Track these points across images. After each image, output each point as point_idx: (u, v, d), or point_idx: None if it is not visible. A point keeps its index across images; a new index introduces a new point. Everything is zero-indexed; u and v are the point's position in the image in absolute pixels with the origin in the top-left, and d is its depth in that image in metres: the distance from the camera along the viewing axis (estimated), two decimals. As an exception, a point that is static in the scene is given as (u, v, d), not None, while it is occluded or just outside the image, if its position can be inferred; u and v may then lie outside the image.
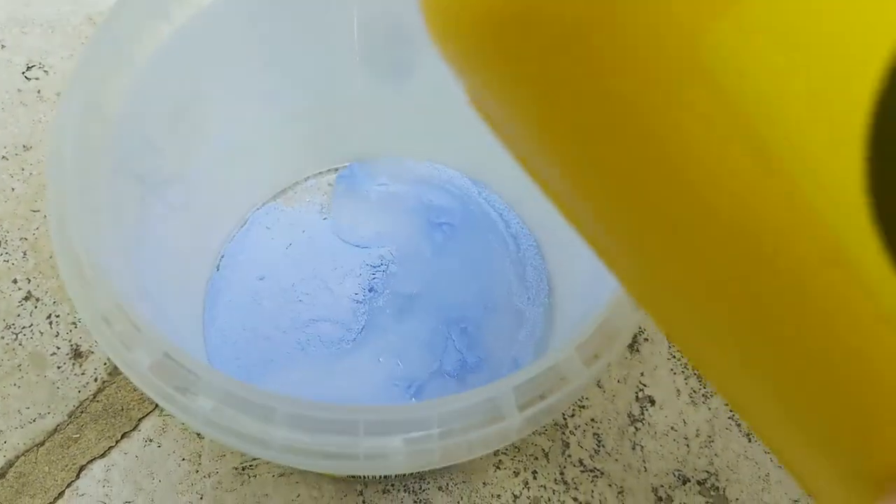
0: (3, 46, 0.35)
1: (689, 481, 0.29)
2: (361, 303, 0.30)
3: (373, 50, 0.28)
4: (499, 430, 0.19)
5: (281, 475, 0.28)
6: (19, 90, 0.34)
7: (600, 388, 0.30)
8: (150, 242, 0.26)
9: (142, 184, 0.25)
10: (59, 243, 0.20)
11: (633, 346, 0.31)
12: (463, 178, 0.32)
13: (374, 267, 0.30)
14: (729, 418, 0.30)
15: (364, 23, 0.27)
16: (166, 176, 0.26)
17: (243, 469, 0.28)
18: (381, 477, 0.28)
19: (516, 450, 0.29)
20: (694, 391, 0.30)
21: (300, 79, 0.28)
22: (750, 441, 0.30)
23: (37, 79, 0.34)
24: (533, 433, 0.29)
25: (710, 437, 0.30)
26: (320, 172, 0.33)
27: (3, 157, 0.33)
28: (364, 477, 0.28)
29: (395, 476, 0.28)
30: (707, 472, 0.29)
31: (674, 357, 0.31)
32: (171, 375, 0.19)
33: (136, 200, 0.25)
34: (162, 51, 0.24)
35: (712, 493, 0.29)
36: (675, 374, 0.31)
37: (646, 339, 0.31)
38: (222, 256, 0.31)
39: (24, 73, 0.35)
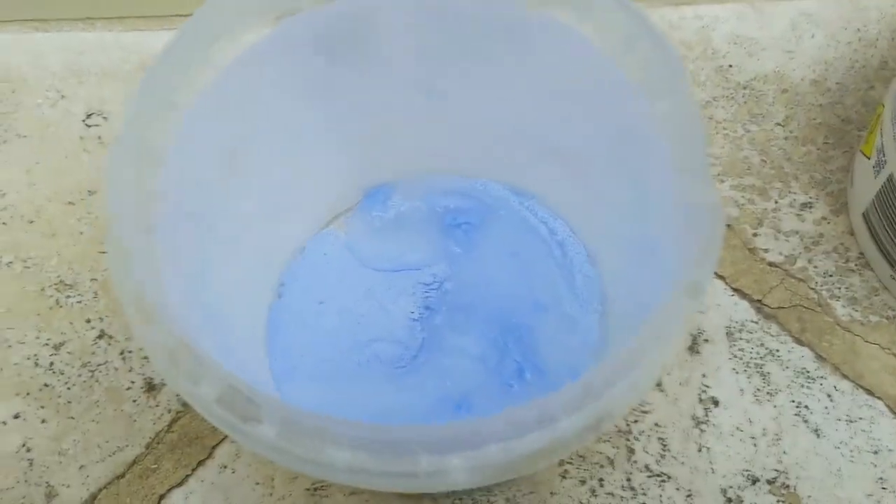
0: (62, 97, 0.37)
1: (759, 481, 0.29)
2: (418, 321, 0.31)
3: (408, 69, 0.29)
4: (553, 439, 0.19)
5: (352, 493, 0.29)
6: (81, 138, 0.36)
7: (662, 391, 0.30)
8: (209, 277, 0.26)
9: (197, 222, 0.26)
10: (119, 286, 0.21)
11: (692, 348, 0.31)
12: (502, 189, 0.32)
13: (427, 285, 0.31)
14: (795, 415, 0.30)
15: (399, 45, 0.28)
16: (220, 213, 0.27)
17: (315, 490, 0.29)
18: (449, 491, 0.28)
19: (581, 458, 0.29)
20: (758, 389, 0.30)
21: (343, 108, 0.29)
22: (818, 437, 0.29)
23: (97, 125, 0.36)
24: (596, 440, 0.29)
25: (777, 435, 0.29)
26: (371, 196, 0.33)
27: (70, 202, 0.34)
28: (432, 492, 0.29)
29: (463, 489, 0.29)
30: (776, 470, 0.29)
31: (735, 357, 0.31)
32: (236, 406, 0.19)
33: (192, 238, 0.25)
34: (207, 94, 0.25)
35: (783, 491, 0.29)
36: (737, 373, 0.30)
37: (706, 341, 0.31)
38: (283, 284, 0.32)
39: (84, 121, 0.36)
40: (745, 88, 0.35)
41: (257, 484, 0.30)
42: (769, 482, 0.29)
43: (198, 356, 0.20)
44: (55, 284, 0.33)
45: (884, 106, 0.30)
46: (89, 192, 0.35)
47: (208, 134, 0.26)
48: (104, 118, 0.36)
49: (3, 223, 0.34)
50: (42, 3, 0.37)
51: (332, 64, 0.28)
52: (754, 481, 0.29)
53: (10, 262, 0.33)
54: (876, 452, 0.29)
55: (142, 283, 0.21)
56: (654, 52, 0.23)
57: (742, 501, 0.28)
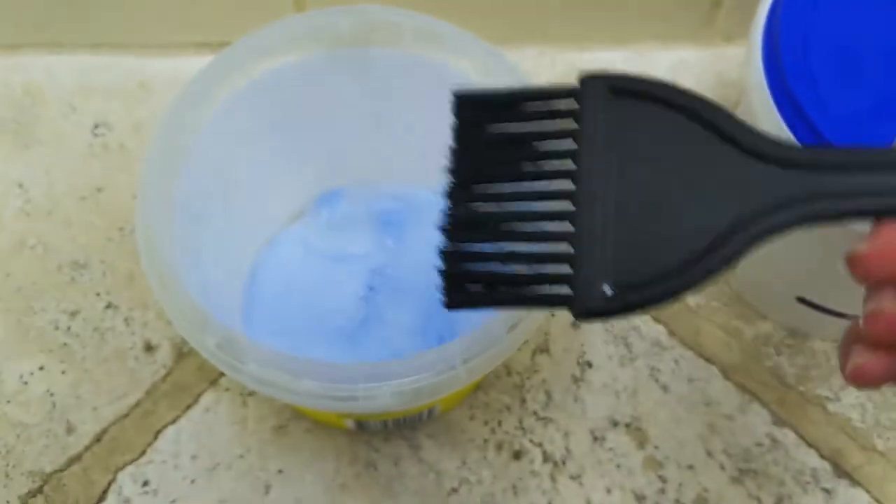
0: (74, 110, 0.44)
1: (619, 424, 0.38)
2: (363, 298, 0.39)
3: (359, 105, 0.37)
4: (451, 377, 0.28)
5: (308, 431, 0.38)
6: (90, 144, 0.44)
7: (550, 356, 0.39)
8: (204, 260, 0.35)
9: (197, 218, 0.34)
10: (147, 263, 0.29)
11: (575, 324, 0.40)
12: (429, 194, 0.40)
13: (370, 270, 0.39)
14: (649, 375, 0.39)
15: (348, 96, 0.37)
16: (212, 213, 0.35)
17: (279, 428, 0.38)
18: (382, 429, 0.37)
19: (486, 405, 0.38)
20: (623, 356, 0.39)
21: (305, 136, 0.38)
22: (665, 393, 0.38)
23: (103, 135, 0.44)
24: (497, 392, 0.38)
25: (634, 390, 0.38)
26: (328, 198, 0.42)
27: (83, 197, 0.42)
28: (369, 429, 0.37)
29: (394, 427, 0.37)
30: (632, 416, 0.38)
31: (607, 331, 0.40)
32: (229, 350, 0.28)
33: (194, 233, 0.34)
34: (209, 124, 0.33)
35: (636, 432, 0.38)
36: (608, 343, 0.39)
37: (585, 318, 0.40)
38: (255, 268, 0.40)
39: (92, 130, 0.44)
40: (628, 120, 0.44)
41: (234, 423, 0.38)
42: (626, 425, 0.38)
43: (202, 314, 0.28)
44: (70, 264, 0.41)
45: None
46: (98, 189, 0.42)
47: (209, 154, 0.34)
48: (109, 129, 0.44)
49: (27, 214, 0.42)
50: (56, 29, 0.45)
51: (301, 101, 0.36)
52: (615, 424, 0.38)
53: (33, 246, 0.41)
54: (708, 404, 0.38)
55: (162, 261, 0.29)
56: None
57: (605, 439, 0.38)
